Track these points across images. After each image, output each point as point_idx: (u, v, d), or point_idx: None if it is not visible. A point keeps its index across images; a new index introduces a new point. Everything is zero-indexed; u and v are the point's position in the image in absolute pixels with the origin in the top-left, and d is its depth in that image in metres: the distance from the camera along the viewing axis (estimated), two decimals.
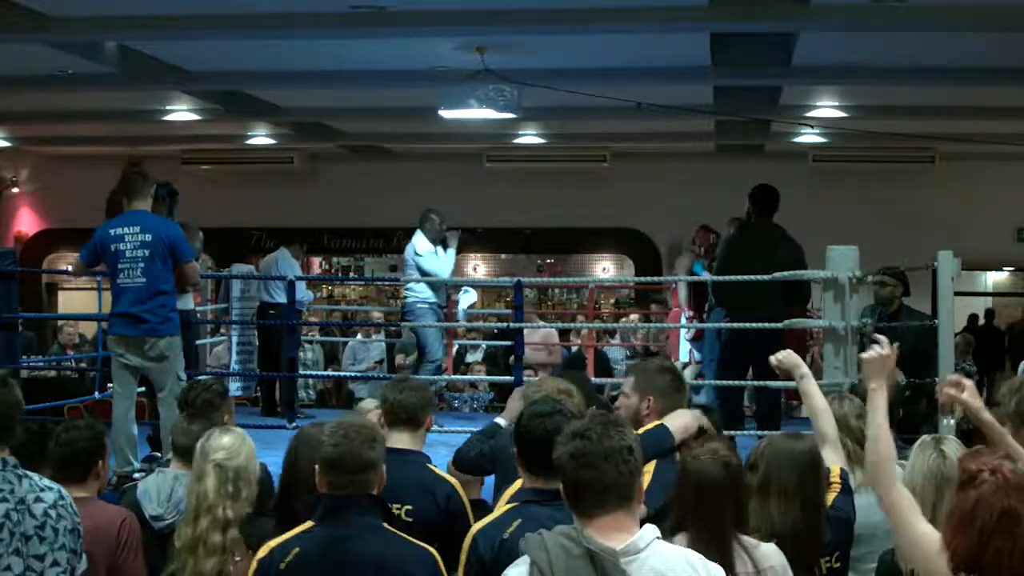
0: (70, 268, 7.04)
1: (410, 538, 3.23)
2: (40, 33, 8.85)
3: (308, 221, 16.13)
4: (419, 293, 9.35)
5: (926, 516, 3.27)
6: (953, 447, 3.44)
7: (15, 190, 17.91)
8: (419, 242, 9.44)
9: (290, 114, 13.46)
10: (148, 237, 6.61)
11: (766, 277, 7.35)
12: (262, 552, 3.21)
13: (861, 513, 3.91)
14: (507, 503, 3.44)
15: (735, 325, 7.63)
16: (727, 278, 7.64)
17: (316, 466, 3.26)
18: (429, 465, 3.96)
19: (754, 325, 7.32)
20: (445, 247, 9.54)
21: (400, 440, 4.02)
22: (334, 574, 3.10)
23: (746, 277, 7.43)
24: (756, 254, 7.68)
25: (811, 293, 8.09)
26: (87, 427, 4.15)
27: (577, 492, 2.61)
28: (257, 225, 17.17)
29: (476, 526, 3.36)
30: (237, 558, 3.69)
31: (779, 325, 7.34)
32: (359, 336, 12.82)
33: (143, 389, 7.28)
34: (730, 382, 7.73)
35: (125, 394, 6.74)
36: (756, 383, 7.67)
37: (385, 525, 3.21)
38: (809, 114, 12.45)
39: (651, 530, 2.61)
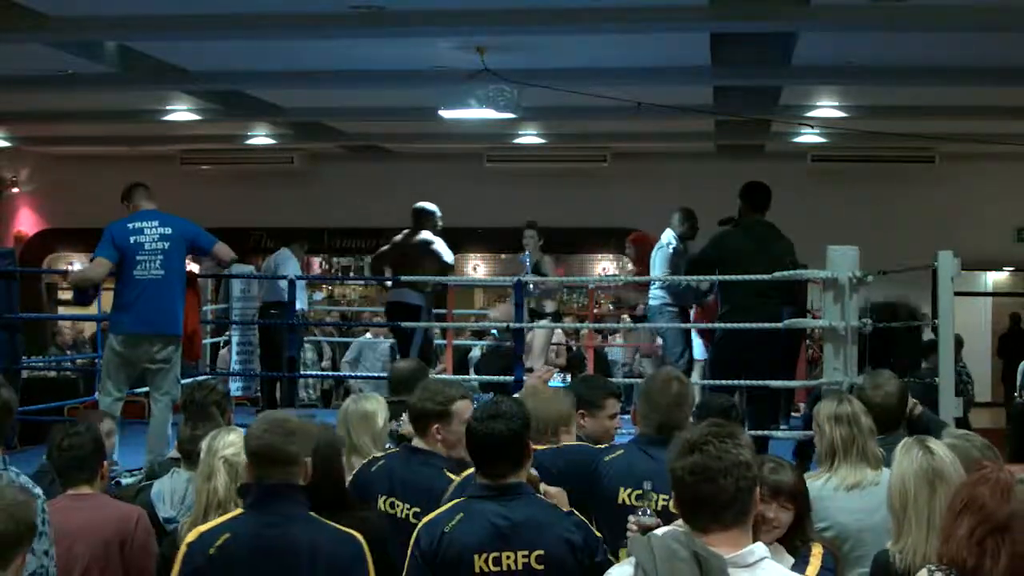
0: (85, 273, 6.84)
1: (337, 526, 3.27)
2: (40, 33, 8.85)
3: (308, 221, 16.13)
4: (659, 294, 8.82)
5: (922, 515, 3.28)
6: (937, 444, 3.44)
7: (15, 190, 17.91)
8: (663, 237, 8.93)
9: (290, 114, 13.46)
10: (168, 230, 6.63)
11: (766, 277, 7.29)
12: (191, 536, 3.25)
13: (853, 515, 3.91)
14: (455, 497, 3.53)
15: (736, 326, 7.37)
16: (735, 277, 7.34)
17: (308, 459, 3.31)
18: (445, 470, 3.94)
19: (754, 326, 7.19)
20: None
21: (420, 441, 4.09)
22: (264, 559, 3.16)
23: (752, 277, 7.21)
24: (756, 252, 7.43)
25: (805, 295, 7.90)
26: (87, 430, 4.19)
27: (694, 507, 2.55)
28: (257, 225, 17.16)
29: (423, 520, 3.43)
30: None
31: (779, 325, 7.29)
32: (368, 335, 12.80)
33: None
34: (723, 382, 7.42)
35: (119, 396, 6.70)
36: (751, 383, 7.37)
37: (311, 514, 3.25)
38: (809, 114, 12.45)
39: (762, 548, 2.56)
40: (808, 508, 3.62)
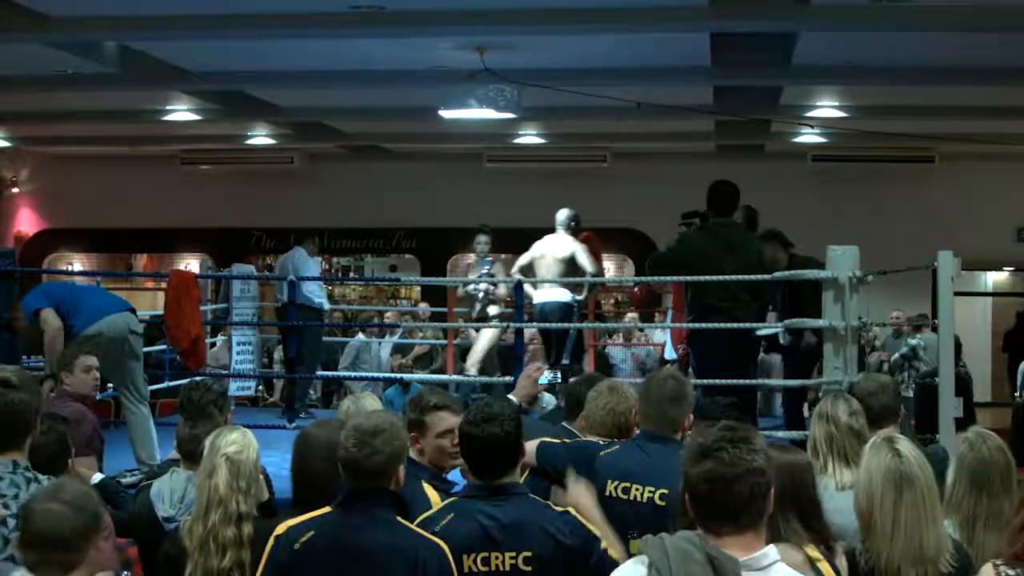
0: (50, 335, 6.70)
1: (422, 531, 3.28)
2: (40, 33, 8.86)
3: (308, 221, 16.09)
4: None
5: (887, 516, 3.25)
6: (906, 446, 3.39)
7: (15, 190, 17.92)
8: None
9: (290, 114, 13.47)
10: None
11: (766, 277, 7.26)
12: (280, 529, 3.29)
13: (847, 516, 3.87)
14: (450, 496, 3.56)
15: (714, 326, 7.17)
16: (709, 278, 7.15)
17: (322, 464, 3.33)
18: (423, 481, 3.90)
19: (730, 325, 7.06)
20: None
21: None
22: (346, 559, 3.18)
23: (726, 277, 7.08)
24: (724, 255, 7.23)
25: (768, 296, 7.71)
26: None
27: (707, 511, 2.56)
28: (257, 225, 17.18)
29: (418, 519, 3.44)
30: None
31: (779, 326, 7.26)
32: (360, 336, 12.80)
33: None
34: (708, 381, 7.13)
35: None
36: (732, 382, 7.07)
37: (398, 519, 3.26)
38: (809, 114, 12.46)
39: (775, 551, 2.56)
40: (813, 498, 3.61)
